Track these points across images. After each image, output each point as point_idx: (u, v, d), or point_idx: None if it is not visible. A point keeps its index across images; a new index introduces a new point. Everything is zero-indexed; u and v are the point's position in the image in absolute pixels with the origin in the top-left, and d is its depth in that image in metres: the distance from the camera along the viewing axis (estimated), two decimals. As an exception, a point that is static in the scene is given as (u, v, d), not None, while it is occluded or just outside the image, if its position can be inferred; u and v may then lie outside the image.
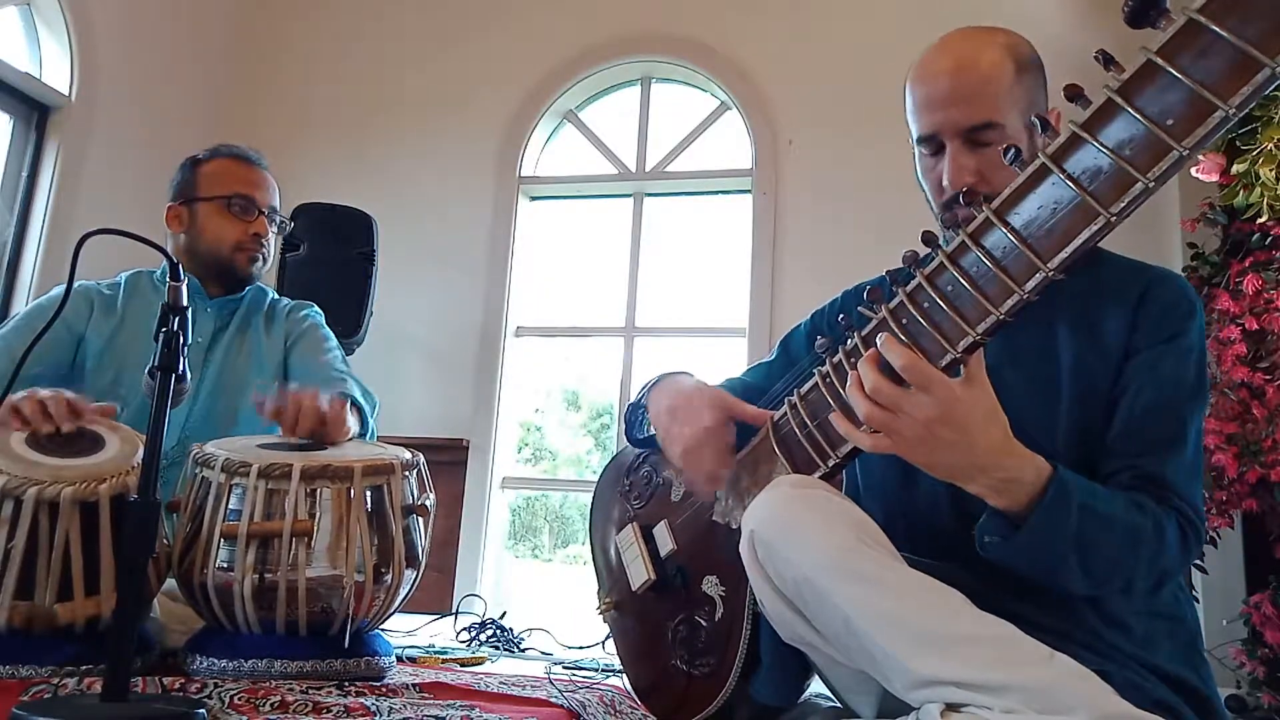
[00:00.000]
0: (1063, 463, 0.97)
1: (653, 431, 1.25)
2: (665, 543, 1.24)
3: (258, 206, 1.79)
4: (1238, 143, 2.47)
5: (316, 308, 1.94)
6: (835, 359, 1.03)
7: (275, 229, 1.85)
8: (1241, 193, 2.46)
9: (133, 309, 1.76)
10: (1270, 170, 2.38)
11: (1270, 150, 2.39)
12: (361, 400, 1.67)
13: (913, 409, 0.89)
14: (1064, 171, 0.83)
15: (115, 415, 1.39)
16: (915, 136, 1.17)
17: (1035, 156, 1.13)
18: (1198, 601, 2.46)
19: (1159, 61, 0.77)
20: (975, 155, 1.10)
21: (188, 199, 1.79)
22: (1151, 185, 0.78)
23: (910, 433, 0.90)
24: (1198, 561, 2.32)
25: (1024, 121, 1.12)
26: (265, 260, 1.83)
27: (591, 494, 1.46)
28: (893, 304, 0.97)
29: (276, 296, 1.93)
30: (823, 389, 1.04)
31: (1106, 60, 0.82)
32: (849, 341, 1.02)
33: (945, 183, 1.12)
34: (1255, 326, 2.33)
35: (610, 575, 1.36)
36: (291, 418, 1.38)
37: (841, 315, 1.06)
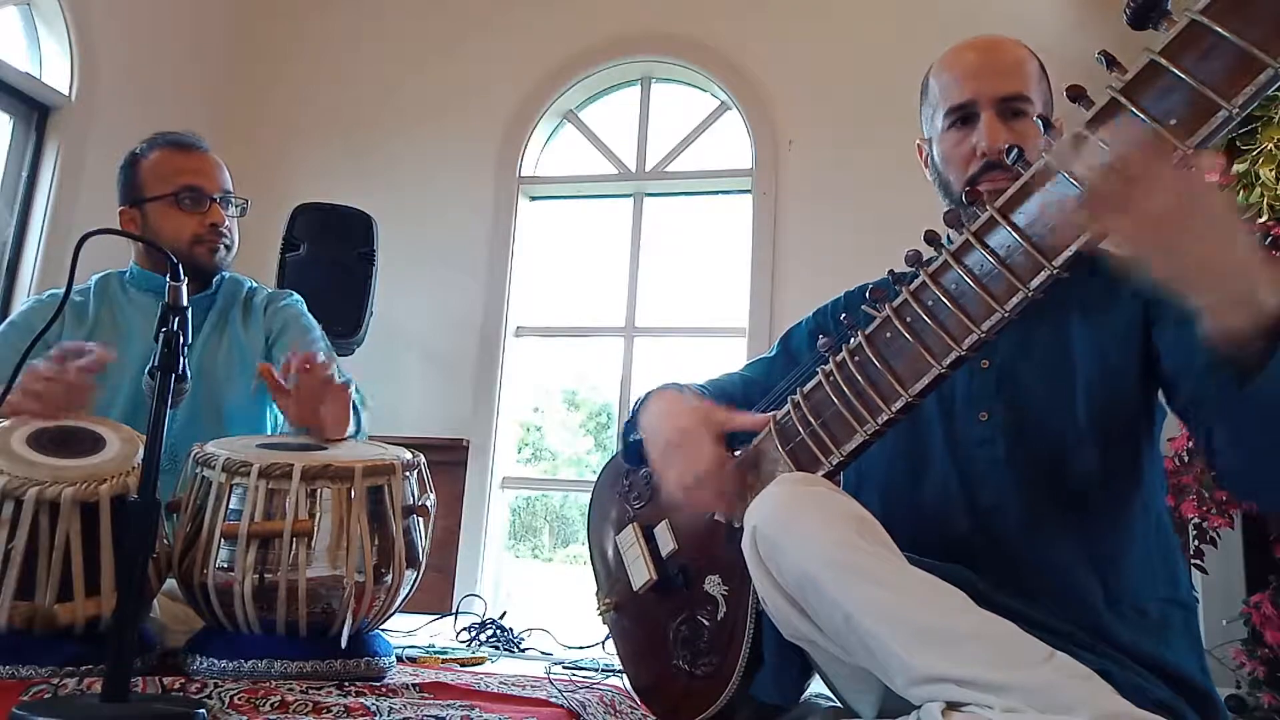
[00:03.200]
0: (1085, 449, 0.96)
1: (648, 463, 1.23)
2: (666, 542, 1.24)
3: (208, 195, 1.72)
4: (1238, 143, 2.47)
5: (296, 295, 1.89)
6: (838, 357, 1.03)
7: (234, 212, 1.77)
8: (1241, 193, 2.46)
9: (104, 313, 1.73)
10: (1270, 170, 2.38)
11: (1270, 150, 2.39)
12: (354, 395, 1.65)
13: (1179, 183, 0.76)
14: (1069, 170, 0.83)
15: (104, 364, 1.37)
16: (946, 109, 1.19)
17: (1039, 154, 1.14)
18: (1198, 601, 2.45)
19: (1162, 62, 0.77)
20: (1007, 126, 1.14)
21: (136, 201, 1.73)
22: (1155, 184, 0.78)
23: (1170, 210, 0.76)
24: (1197, 561, 2.32)
25: (1043, 113, 1.16)
26: (229, 248, 1.77)
27: (589, 494, 1.46)
28: (896, 302, 0.97)
29: (254, 285, 1.87)
30: (826, 387, 1.04)
31: (1109, 61, 0.82)
32: (852, 340, 1.02)
33: (981, 147, 1.14)
34: (1255, 326, 2.33)
35: (610, 576, 1.36)
36: (299, 367, 1.36)
37: (844, 314, 1.06)
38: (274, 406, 1.80)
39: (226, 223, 1.75)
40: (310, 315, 1.86)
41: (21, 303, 1.82)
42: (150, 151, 1.76)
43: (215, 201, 1.73)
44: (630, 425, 1.30)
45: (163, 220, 1.72)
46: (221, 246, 1.75)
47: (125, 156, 1.79)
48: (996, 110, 1.14)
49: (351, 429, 1.54)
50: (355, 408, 1.63)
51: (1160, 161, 0.76)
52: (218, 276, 1.80)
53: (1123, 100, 0.79)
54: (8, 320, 1.74)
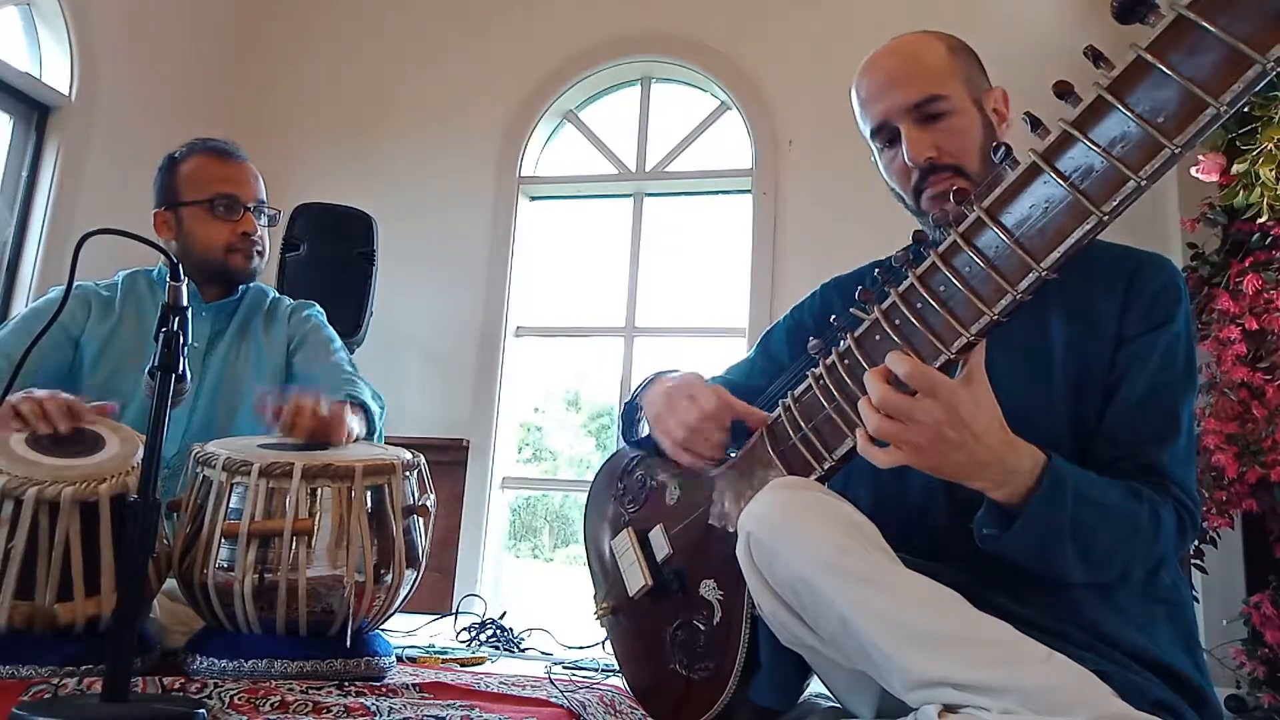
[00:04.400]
0: (1063, 446, 0.98)
1: (648, 432, 1.25)
2: (661, 547, 1.24)
3: (242, 204, 1.75)
4: (1238, 143, 2.47)
5: (318, 307, 1.91)
6: (828, 360, 1.03)
7: (265, 221, 1.80)
8: (1241, 193, 2.46)
9: (129, 310, 1.74)
10: (1270, 170, 2.38)
11: (1270, 150, 2.39)
12: (370, 402, 1.66)
13: (921, 415, 0.89)
14: (1055, 170, 0.83)
15: (115, 414, 1.38)
16: (868, 133, 1.21)
17: (991, 128, 1.15)
18: (1198, 601, 2.46)
19: (1149, 58, 0.76)
20: (928, 130, 1.14)
21: (171, 204, 1.75)
22: (1144, 184, 0.78)
23: (920, 439, 0.90)
24: (1197, 561, 2.32)
25: (970, 95, 1.16)
26: (262, 256, 1.79)
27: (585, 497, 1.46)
28: (885, 305, 0.96)
29: (277, 295, 1.90)
30: (816, 391, 1.04)
31: (1096, 57, 0.81)
32: (842, 343, 1.01)
33: (908, 162, 1.15)
34: (1255, 326, 2.33)
35: (607, 580, 1.36)
36: (289, 419, 1.37)
37: (834, 317, 1.06)
38: None
39: (259, 232, 1.77)
40: (330, 327, 1.88)
41: (40, 298, 1.83)
42: (189, 156, 1.78)
43: (249, 210, 1.76)
44: (632, 408, 1.31)
45: (196, 226, 1.74)
46: (254, 254, 1.77)
47: (163, 159, 1.81)
48: (913, 120, 1.14)
49: (361, 430, 1.54)
50: (367, 410, 1.63)
51: (924, 396, 0.89)
52: (243, 285, 1.82)
53: (1109, 98, 0.79)
54: (32, 306, 1.75)
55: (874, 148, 1.22)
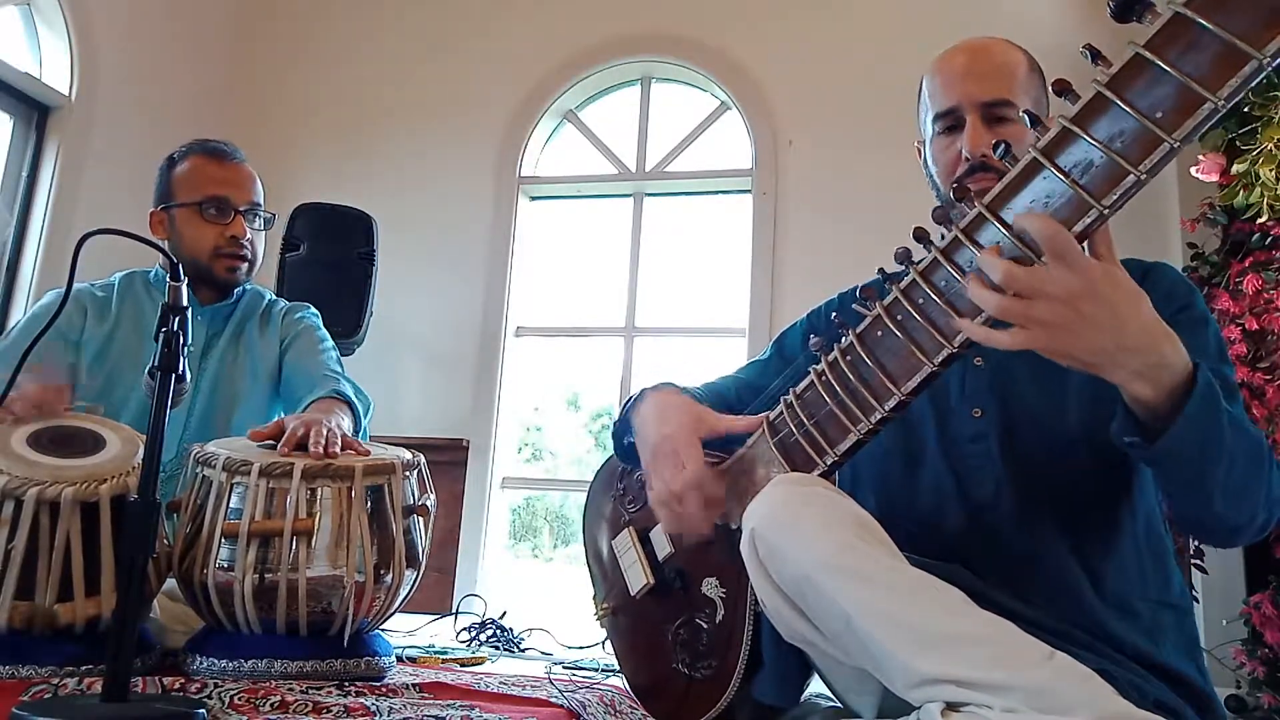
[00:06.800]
0: (1078, 451, 0.98)
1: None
2: (663, 546, 1.24)
3: (233, 206, 1.72)
4: (1238, 143, 2.48)
5: (313, 309, 1.91)
6: (830, 356, 1.03)
7: (258, 225, 1.77)
8: (1241, 193, 2.46)
9: (126, 311, 1.74)
10: (1270, 170, 2.38)
11: (1270, 150, 2.39)
12: (354, 399, 1.66)
13: (1054, 287, 0.80)
14: (1055, 165, 0.83)
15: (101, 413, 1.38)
16: (933, 114, 1.20)
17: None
18: (1197, 601, 2.46)
19: (1147, 55, 0.77)
20: (991, 130, 1.15)
21: (166, 204, 1.74)
22: (1143, 178, 0.78)
23: (1053, 315, 0.81)
24: (1197, 561, 2.32)
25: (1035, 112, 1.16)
26: (250, 262, 1.76)
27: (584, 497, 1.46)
28: (887, 300, 0.97)
29: (273, 298, 1.89)
30: (818, 387, 1.04)
31: (1094, 55, 0.82)
32: (844, 339, 1.02)
33: (965, 152, 1.15)
34: (1255, 326, 2.33)
35: (607, 580, 1.36)
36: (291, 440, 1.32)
37: (835, 314, 1.06)
38: (282, 415, 1.80)
39: (248, 235, 1.75)
40: (324, 329, 1.87)
41: (43, 298, 1.82)
42: (185, 157, 1.77)
43: (240, 213, 1.74)
44: (623, 424, 1.29)
45: (185, 228, 1.73)
46: (241, 262, 1.75)
47: (164, 158, 1.80)
48: (981, 115, 1.15)
49: (349, 427, 1.54)
50: (354, 408, 1.63)
51: (1058, 265, 0.80)
52: (237, 289, 1.80)
53: (1108, 94, 0.79)
54: (30, 312, 1.74)
55: (930, 131, 1.22)
